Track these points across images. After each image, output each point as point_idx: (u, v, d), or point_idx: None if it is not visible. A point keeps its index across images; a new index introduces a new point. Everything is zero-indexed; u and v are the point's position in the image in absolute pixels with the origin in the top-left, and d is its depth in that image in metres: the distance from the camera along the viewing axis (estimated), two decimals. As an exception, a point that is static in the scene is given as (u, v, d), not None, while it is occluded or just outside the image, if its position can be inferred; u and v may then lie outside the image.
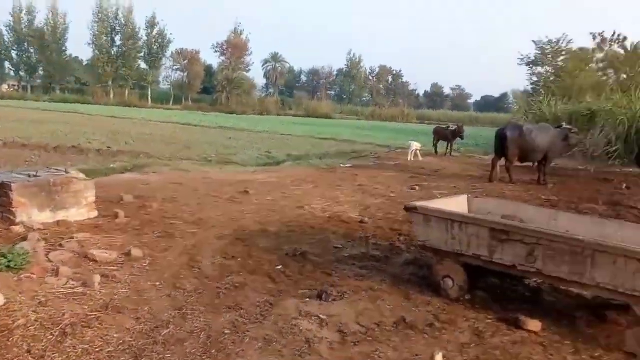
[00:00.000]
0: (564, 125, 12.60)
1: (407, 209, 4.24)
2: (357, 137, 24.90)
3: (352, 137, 24.71)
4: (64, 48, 67.35)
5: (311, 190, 8.90)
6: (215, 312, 3.61)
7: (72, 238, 5.09)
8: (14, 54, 65.83)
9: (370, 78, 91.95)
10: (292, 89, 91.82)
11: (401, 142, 21.84)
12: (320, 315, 3.55)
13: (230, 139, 21.07)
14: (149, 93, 67.72)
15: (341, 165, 13.46)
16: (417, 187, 9.91)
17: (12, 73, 68.98)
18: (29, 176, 5.86)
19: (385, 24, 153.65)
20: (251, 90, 70.52)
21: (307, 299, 3.87)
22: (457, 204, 4.89)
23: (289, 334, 3.29)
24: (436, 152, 18.12)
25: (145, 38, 67.96)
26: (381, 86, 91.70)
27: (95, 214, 6.12)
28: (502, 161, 11.54)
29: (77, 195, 6.00)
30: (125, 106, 52.39)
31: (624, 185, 11.67)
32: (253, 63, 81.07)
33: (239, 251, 5.01)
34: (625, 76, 30.46)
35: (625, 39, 31.12)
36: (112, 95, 62.36)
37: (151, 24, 67.57)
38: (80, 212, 5.99)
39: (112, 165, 11.37)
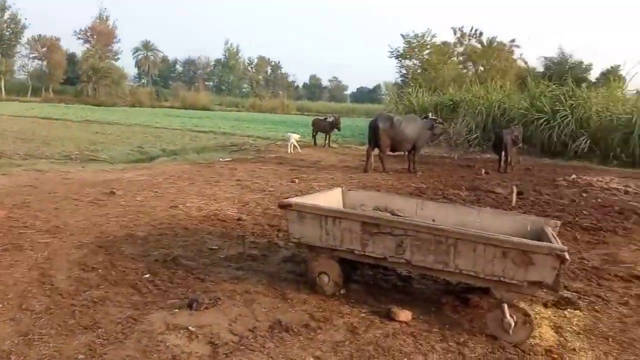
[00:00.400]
0: (430, 115, 13.45)
1: (282, 206, 4.12)
2: (236, 130, 24.49)
3: (232, 130, 24.25)
4: None
5: (186, 188, 8.46)
6: (68, 335, 3.20)
7: None
8: None
9: (249, 69, 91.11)
10: (167, 79, 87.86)
11: (282, 134, 21.90)
12: (190, 327, 3.31)
13: (96, 133, 19.50)
14: (2, 84, 60.52)
15: (220, 159, 13.06)
16: (297, 180, 9.92)
17: None
18: None
19: (262, 13, 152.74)
20: (121, 80, 66.06)
21: (177, 310, 3.59)
22: (332, 198, 4.90)
23: (153, 353, 3.01)
24: (315, 143, 18.41)
25: (-6, 23, 60.53)
26: (260, 77, 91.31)
27: None
28: (376, 151, 12.00)
29: None
30: (-28, 98, 46.31)
31: (483, 171, 12.80)
32: (122, 51, 76.43)
33: (100, 261, 4.54)
34: (482, 68, 33.54)
35: (481, 34, 34.30)
36: (-43, 88, 54.81)
37: (1, 7, 60.28)
38: None
39: (-49, 168, 9.85)
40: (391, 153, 12.42)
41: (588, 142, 17.40)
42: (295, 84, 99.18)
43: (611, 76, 24.14)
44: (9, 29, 61.08)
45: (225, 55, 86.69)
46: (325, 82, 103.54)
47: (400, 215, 4.77)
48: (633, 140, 16.52)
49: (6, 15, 60.87)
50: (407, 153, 12.67)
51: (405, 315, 3.63)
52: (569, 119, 18.19)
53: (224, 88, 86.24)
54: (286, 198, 7.92)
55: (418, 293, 4.28)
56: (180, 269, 4.47)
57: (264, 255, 4.99)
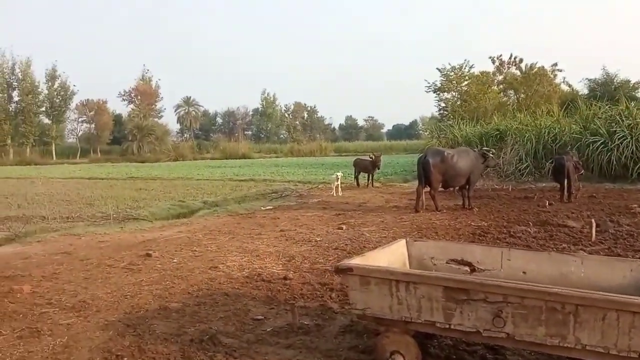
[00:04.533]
0: (483, 147, 12.54)
1: (339, 271, 3.33)
2: (276, 176, 24.06)
3: (272, 176, 23.83)
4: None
5: (227, 243, 7.82)
6: None
7: None
8: None
9: (286, 115, 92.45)
10: (208, 131, 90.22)
11: (322, 177, 21.29)
12: None
13: (139, 189, 19.40)
14: (53, 148, 63.20)
15: (262, 208, 12.47)
16: (344, 226, 9.13)
17: None
18: None
19: (296, 60, 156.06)
20: (164, 136, 67.89)
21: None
22: (397, 253, 4.10)
23: None
24: (358, 184, 17.66)
25: (46, 91, 63.64)
26: (297, 122, 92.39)
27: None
28: (427, 188, 11.12)
29: None
30: (26, 164, 48.23)
31: (547, 202, 11.65)
32: (165, 109, 79.15)
33: (127, 345, 3.83)
34: (524, 95, 32.39)
35: (521, 60, 33.38)
36: (11, 155, 57.22)
37: (51, 76, 63.42)
38: None
39: (-9, 237, 9.57)
40: (443, 189, 11.52)
41: (652, 163, 15.95)
42: (332, 126, 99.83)
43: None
44: (59, 97, 63.96)
45: (262, 104, 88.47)
46: (361, 122, 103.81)
47: (482, 270, 3.92)
48: None
49: (56, 84, 63.95)
50: (459, 188, 11.73)
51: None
52: (627, 139, 16.84)
53: (262, 136, 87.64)
54: (335, 249, 7.20)
55: (516, 368, 3.36)
56: (219, 350, 3.70)
57: (317, 325, 4.17)
